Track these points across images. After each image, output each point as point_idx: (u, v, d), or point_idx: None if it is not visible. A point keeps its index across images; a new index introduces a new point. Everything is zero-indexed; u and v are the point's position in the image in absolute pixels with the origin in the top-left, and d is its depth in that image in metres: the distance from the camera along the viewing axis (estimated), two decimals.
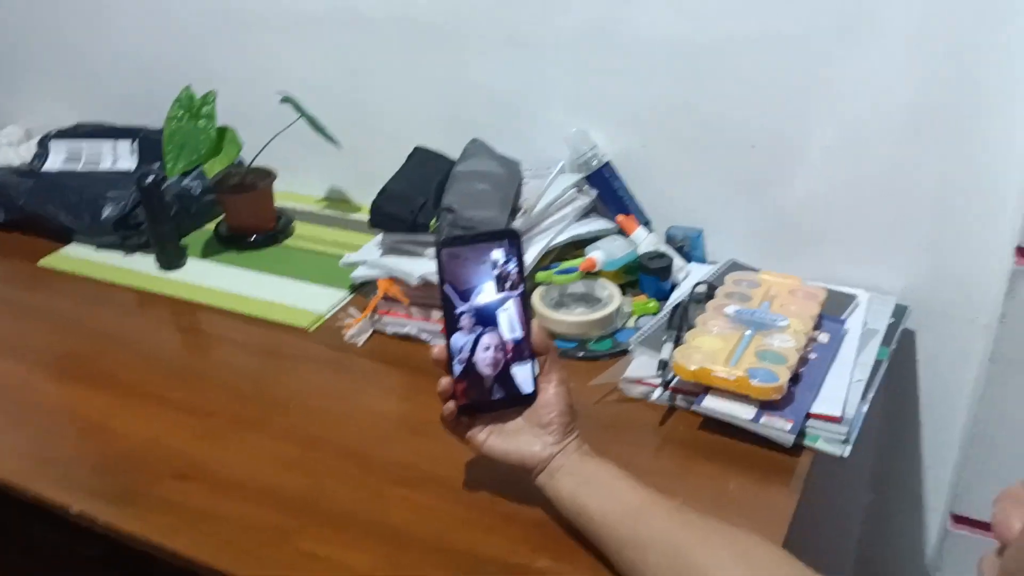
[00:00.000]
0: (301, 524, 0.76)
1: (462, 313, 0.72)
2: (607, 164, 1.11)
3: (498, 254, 0.73)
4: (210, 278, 1.16)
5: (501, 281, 0.73)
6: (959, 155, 0.94)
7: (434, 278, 0.95)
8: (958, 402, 1.04)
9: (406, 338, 1.01)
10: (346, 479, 0.81)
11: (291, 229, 1.28)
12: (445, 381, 0.73)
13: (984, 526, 0.98)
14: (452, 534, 0.75)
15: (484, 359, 0.73)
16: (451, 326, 0.72)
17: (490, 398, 0.73)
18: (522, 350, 0.73)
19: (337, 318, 1.05)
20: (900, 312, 0.99)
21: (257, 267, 1.18)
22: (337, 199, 1.37)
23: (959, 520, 0.99)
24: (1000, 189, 0.93)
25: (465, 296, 0.72)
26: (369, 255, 1.05)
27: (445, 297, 0.72)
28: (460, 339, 0.73)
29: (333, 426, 0.88)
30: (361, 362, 0.99)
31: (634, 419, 0.88)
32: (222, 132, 1.14)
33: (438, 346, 0.73)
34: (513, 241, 0.73)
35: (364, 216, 1.30)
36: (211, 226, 1.28)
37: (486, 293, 0.72)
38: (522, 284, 0.73)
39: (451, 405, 0.73)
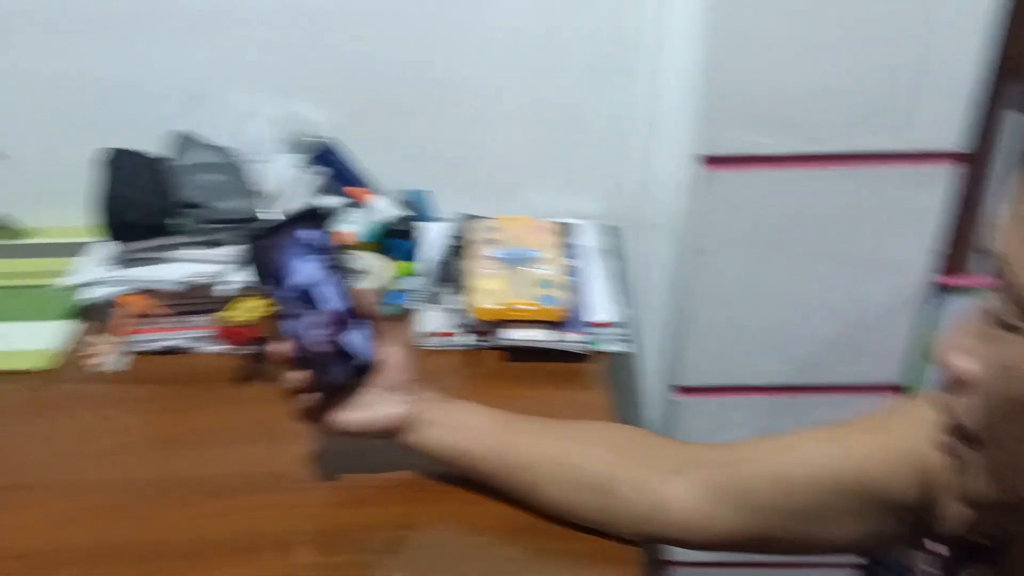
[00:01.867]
0: (159, 568, 0.69)
1: (282, 299, 0.70)
2: (323, 139, 1.10)
3: (305, 233, 0.71)
4: None
5: (314, 259, 0.72)
6: (613, 83, 1.11)
7: (201, 279, 0.90)
8: (658, 294, 1.25)
9: (173, 352, 0.93)
10: (184, 509, 0.74)
11: None
12: (294, 375, 0.70)
13: (703, 391, 1.19)
14: (333, 518, 0.74)
15: (315, 338, 0.72)
16: (280, 317, 0.70)
17: (336, 376, 0.72)
18: (346, 320, 0.73)
19: (77, 350, 0.92)
20: (614, 232, 1.16)
21: None
22: None
23: (683, 390, 1.20)
24: (662, 111, 1.13)
25: (279, 284, 0.70)
26: (95, 274, 0.93)
27: (268, 288, 0.69)
28: (289, 328, 0.70)
29: (143, 465, 0.79)
30: (133, 389, 0.89)
31: (442, 369, 0.92)
32: None
33: (273, 344, 0.70)
34: (318, 216, 0.72)
35: (39, 240, 1.14)
36: None
37: (299, 273, 0.71)
38: (333, 254, 0.73)
39: (310, 396, 0.71)
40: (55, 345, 0.93)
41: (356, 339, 0.73)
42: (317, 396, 0.71)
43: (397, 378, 0.74)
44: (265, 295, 0.69)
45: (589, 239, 1.12)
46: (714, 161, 1.04)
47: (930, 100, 0.97)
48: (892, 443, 0.60)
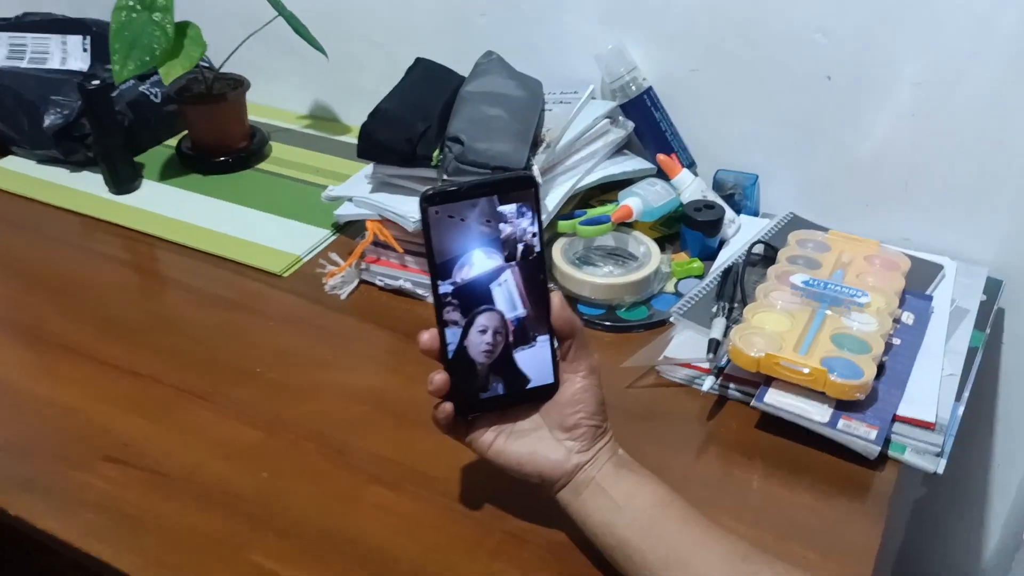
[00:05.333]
0: (254, 535, 0.60)
1: (450, 291, 0.55)
2: (648, 91, 0.92)
3: (507, 208, 0.54)
4: (168, 206, 0.98)
5: (509, 244, 0.55)
6: None
7: None
8: None
9: (398, 292, 0.84)
10: (313, 475, 0.65)
11: (266, 150, 1.09)
12: (438, 378, 0.56)
13: None
14: (445, 556, 0.59)
15: (478, 344, 0.56)
16: (440, 310, 0.55)
17: (489, 394, 0.57)
18: (529, 332, 0.56)
19: (317, 263, 0.87)
20: (994, 288, 0.83)
21: (223, 195, 1.00)
22: (323, 117, 1.18)
23: None
24: None
25: (451, 268, 0.54)
26: (356, 190, 0.87)
27: (434, 271, 0.55)
28: (449, 325, 0.55)
29: (301, 403, 0.72)
30: (343, 320, 0.82)
31: (674, 410, 0.71)
32: (182, 28, 0.94)
33: (428, 332, 0.56)
34: (527, 190, 0.54)
35: (354, 139, 1.12)
36: (174, 142, 1.10)
37: (482, 261, 0.55)
38: (539, 246, 0.55)
39: (446, 407, 0.56)
40: (303, 253, 0.89)
41: (532, 357, 0.57)
42: (450, 410, 0.56)
43: (571, 417, 0.57)
44: (432, 275, 0.55)
45: (950, 291, 0.80)
46: None
47: None
48: None
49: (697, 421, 0.70)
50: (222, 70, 1.03)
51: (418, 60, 0.94)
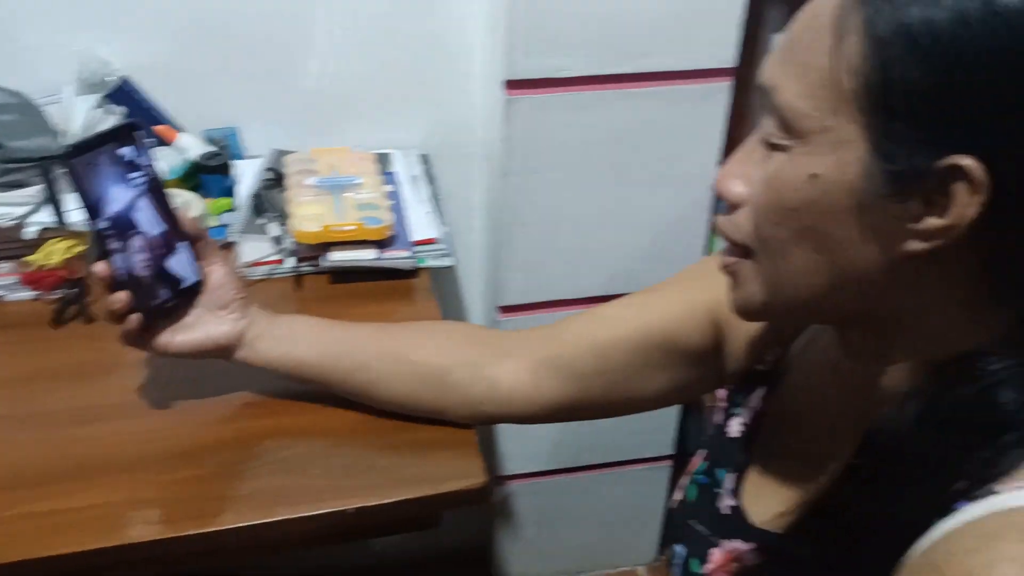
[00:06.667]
0: (17, 496, 0.68)
1: (102, 225, 0.69)
2: (125, 80, 1.06)
3: (125, 150, 0.70)
4: None
5: (132, 179, 0.71)
6: (423, 12, 1.14)
7: (3, 222, 0.86)
8: (476, 219, 1.30)
9: None
10: (22, 444, 0.73)
11: None
12: (120, 296, 0.69)
13: (524, 308, 1.26)
14: (175, 440, 0.74)
15: (137, 263, 0.71)
16: (102, 243, 0.69)
17: (161, 299, 0.72)
18: (171, 243, 0.73)
19: None
20: (426, 160, 1.19)
21: None
22: None
23: (505, 309, 1.26)
24: (471, 40, 1.17)
25: (101, 207, 0.69)
26: None
27: (90, 212, 0.68)
28: (111, 253, 0.69)
29: None
30: None
31: (269, 297, 0.92)
32: None
33: (100, 264, 0.69)
34: (134, 133, 0.71)
35: None
36: None
37: (118, 197, 0.70)
38: (154, 174, 0.72)
39: (134, 318, 0.70)
40: None
41: (179, 261, 0.73)
42: (140, 318, 0.70)
43: (223, 297, 0.75)
44: (83, 225, 0.67)
45: (404, 167, 1.15)
46: (516, 85, 1.10)
47: (706, 21, 1.08)
48: (688, 297, 0.68)
49: (290, 297, 0.93)
50: None
51: None
